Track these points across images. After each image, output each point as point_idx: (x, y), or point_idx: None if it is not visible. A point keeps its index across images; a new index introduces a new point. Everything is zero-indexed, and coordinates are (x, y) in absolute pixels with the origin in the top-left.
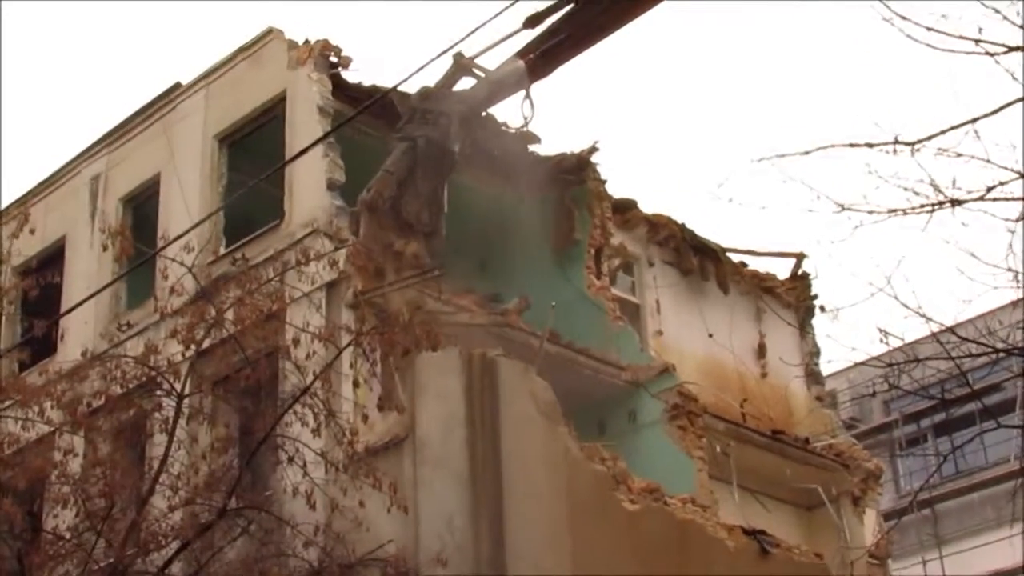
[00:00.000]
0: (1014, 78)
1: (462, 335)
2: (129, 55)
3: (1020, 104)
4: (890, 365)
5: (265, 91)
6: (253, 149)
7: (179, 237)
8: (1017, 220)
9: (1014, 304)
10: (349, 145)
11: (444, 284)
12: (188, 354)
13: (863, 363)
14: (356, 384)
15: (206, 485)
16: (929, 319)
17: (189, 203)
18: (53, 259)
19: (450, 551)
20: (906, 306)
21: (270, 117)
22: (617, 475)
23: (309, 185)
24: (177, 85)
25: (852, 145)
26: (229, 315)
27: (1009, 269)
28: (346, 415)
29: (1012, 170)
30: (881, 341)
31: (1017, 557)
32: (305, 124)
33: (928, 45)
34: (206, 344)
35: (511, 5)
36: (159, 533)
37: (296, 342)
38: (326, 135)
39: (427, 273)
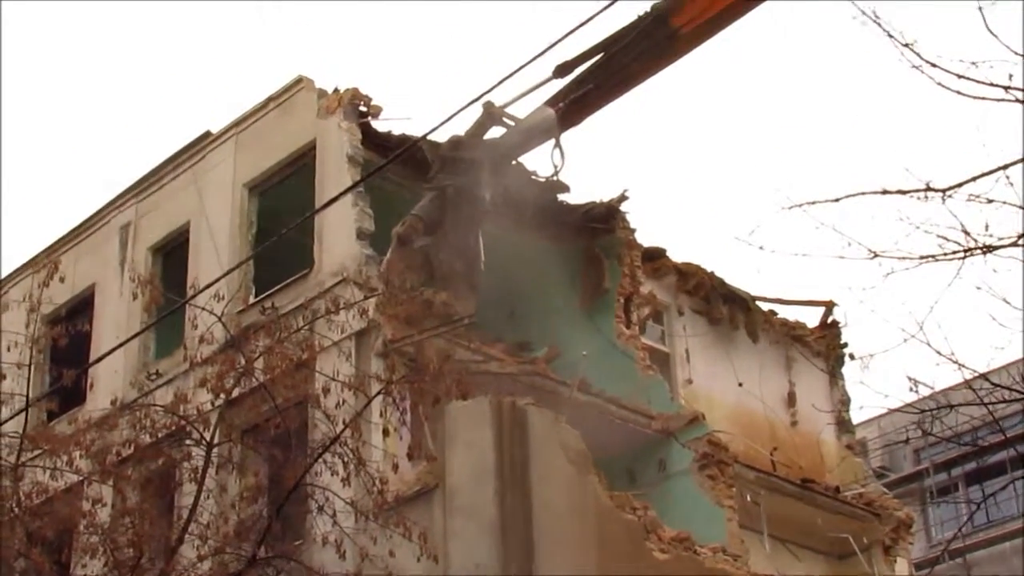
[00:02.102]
0: None
1: (492, 384)
2: (160, 103)
3: None
4: (923, 411)
5: (295, 140)
6: (283, 198)
7: (209, 286)
8: None
9: None
10: (378, 195)
11: (474, 333)
12: (217, 403)
13: (894, 411)
14: (386, 433)
15: (235, 534)
16: (962, 366)
17: (219, 252)
18: (82, 308)
19: None
20: (939, 352)
21: (300, 166)
22: (647, 524)
23: (339, 234)
24: (207, 134)
25: (884, 192)
26: (259, 364)
27: None
28: (376, 464)
29: None
30: (911, 389)
31: None
32: (335, 173)
33: (958, 92)
34: (235, 393)
35: (542, 54)
36: None
37: (326, 391)
38: (356, 184)
39: (457, 322)
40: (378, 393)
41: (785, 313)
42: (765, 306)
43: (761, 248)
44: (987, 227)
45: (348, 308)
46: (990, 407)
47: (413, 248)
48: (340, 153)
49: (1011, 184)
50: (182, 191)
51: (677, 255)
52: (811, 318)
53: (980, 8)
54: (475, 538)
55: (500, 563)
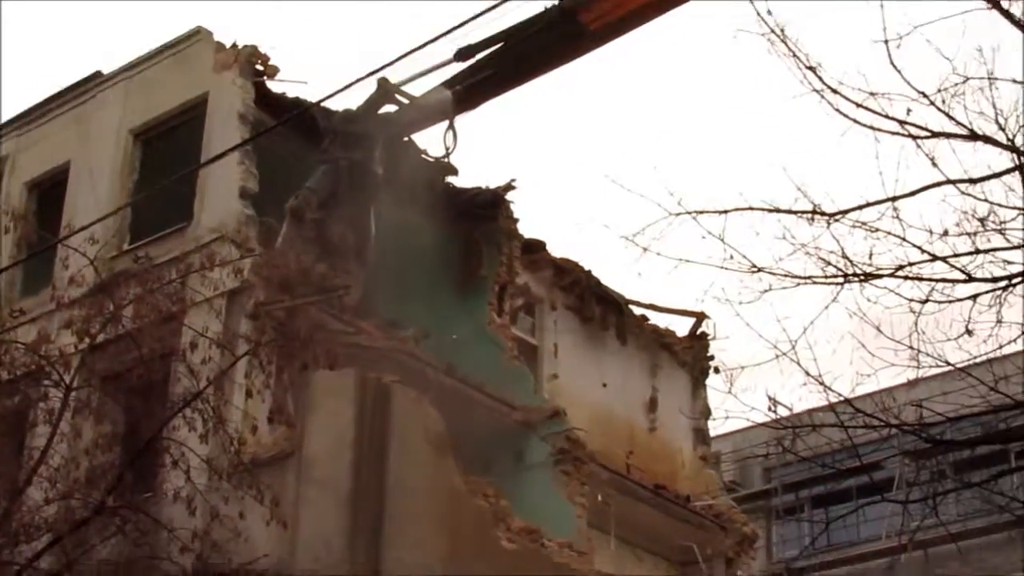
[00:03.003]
0: (934, 164)
1: (360, 358)
2: (55, 37)
3: (936, 189)
4: (785, 427)
5: (187, 91)
6: (168, 148)
7: (84, 228)
8: (923, 302)
9: (910, 383)
10: (266, 156)
11: (347, 306)
12: (81, 346)
13: (757, 426)
14: (249, 394)
15: (86, 481)
16: (828, 388)
17: (98, 195)
18: None
19: (326, 571)
20: (807, 373)
21: (189, 118)
22: (498, 513)
23: (221, 191)
24: (98, 74)
25: (773, 210)
26: (127, 312)
27: (911, 347)
28: (235, 424)
29: (924, 250)
30: (770, 409)
31: None
32: (223, 129)
33: (855, 121)
34: (100, 338)
35: (444, 35)
36: (31, 525)
37: (193, 346)
38: (244, 142)
39: (332, 292)
40: (245, 354)
41: (656, 320)
42: (638, 311)
43: (646, 250)
44: (870, 255)
45: (223, 266)
46: (850, 431)
47: (306, 222)
48: (231, 109)
49: (897, 216)
50: (65, 130)
51: (556, 250)
52: (682, 327)
53: (886, 43)
54: (326, 508)
55: (348, 536)
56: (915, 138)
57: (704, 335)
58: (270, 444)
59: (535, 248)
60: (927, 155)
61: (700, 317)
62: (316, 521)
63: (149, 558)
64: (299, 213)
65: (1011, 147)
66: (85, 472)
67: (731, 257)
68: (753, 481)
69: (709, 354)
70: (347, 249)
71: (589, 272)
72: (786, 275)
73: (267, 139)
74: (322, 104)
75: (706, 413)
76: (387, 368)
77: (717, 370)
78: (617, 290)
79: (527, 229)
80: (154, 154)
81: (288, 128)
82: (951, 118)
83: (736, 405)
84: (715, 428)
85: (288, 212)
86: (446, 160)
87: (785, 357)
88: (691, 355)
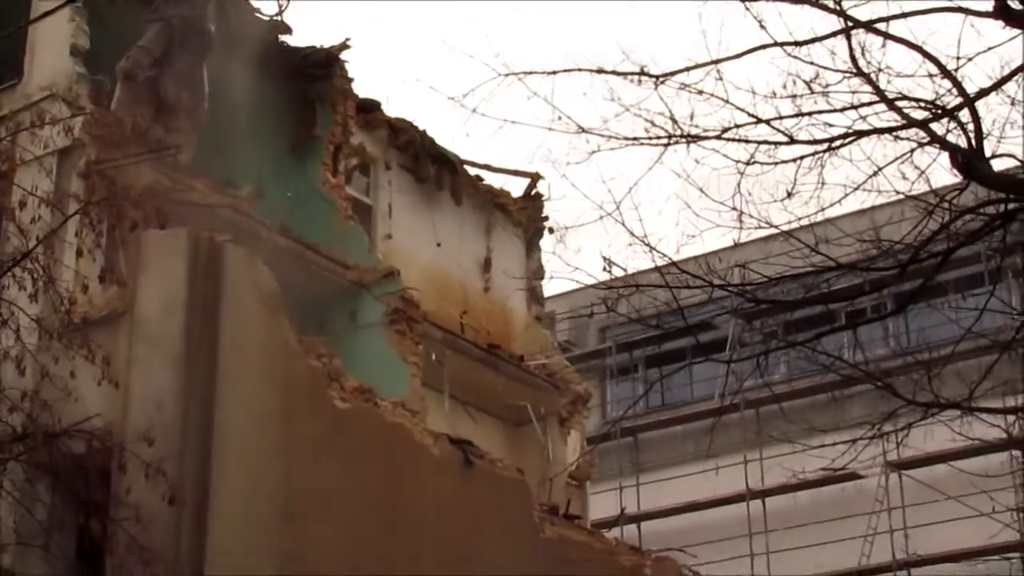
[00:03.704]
0: (762, 27)
1: (192, 217)
2: None
3: (763, 51)
4: (609, 288)
5: None
6: None
7: None
8: (748, 163)
9: (736, 244)
10: (97, 13)
11: (181, 165)
12: None
13: (585, 287)
14: (80, 254)
15: None
16: (653, 248)
17: None
18: None
19: (158, 430)
20: (632, 234)
21: None
22: (332, 372)
23: (52, 48)
24: None
25: (600, 71)
26: None
27: (734, 208)
28: (66, 284)
29: (748, 113)
30: (604, 269)
31: (711, 490)
32: None
33: None
34: None
35: None
36: None
37: (22, 205)
38: None
39: (164, 151)
40: (75, 212)
41: (491, 180)
42: (473, 172)
43: (474, 111)
44: (692, 117)
45: (54, 124)
46: (674, 291)
47: (139, 82)
48: None
49: (721, 78)
50: None
51: (392, 110)
52: (516, 188)
53: None
54: (158, 368)
55: (182, 395)
56: (743, 0)
57: (538, 195)
58: (101, 304)
59: (370, 108)
60: (755, 18)
61: (534, 178)
62: (148, 381)
63: None
64: (131, 74)
65: (837, 11)
66: None
67: (559, 118)
68: (588, 341)
69: (543, 215)
70: (180, 107)
71: (424, 132)
72: (612, 136)
73: None
74: None
75: (540, 274)
76: (219, 226)
77: (551, 230)
78: (452, 151)
79: (362, 89)
80: None
81: None
82: None
83: (567, 265)
84: (550, 288)
85: (120, 73)
86: (279, 19)
87: (610, 218)
88: (525, 215)
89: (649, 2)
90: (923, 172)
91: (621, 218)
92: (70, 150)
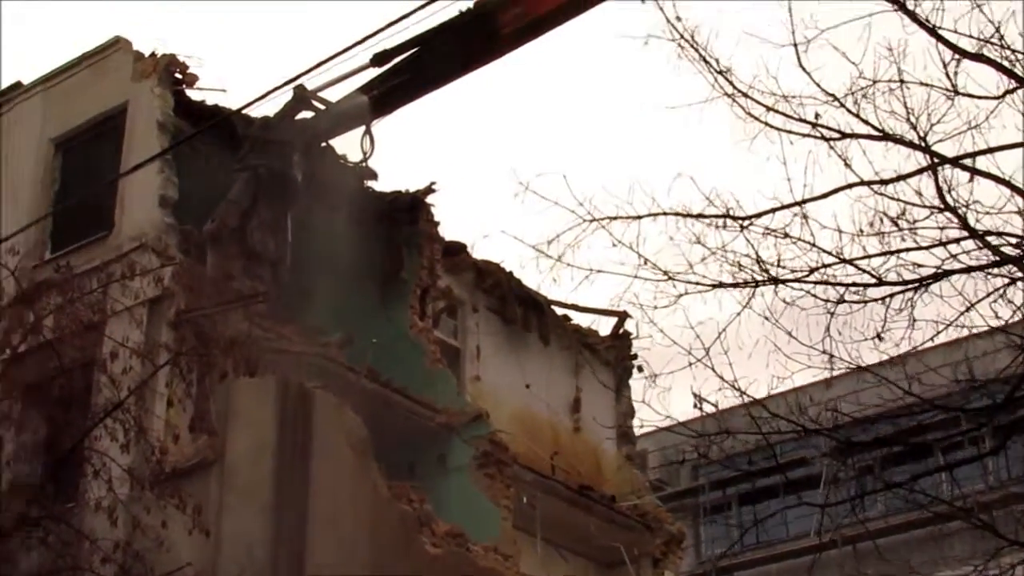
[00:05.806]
0: (847, 165)
1: (281, 364)
2: None
3: (849, 190)
4: (701, 435)
5: (106, 100)
6: (89, 157)
7: (6, 239)
8: (836, 303)
9: (826, 383)
10: (185, 164)
11: (268, 312)
12: (2, 357)
13: (675, 426)
14: (170, 403)
15: (8, 491)
16: (743, 393)
17: (19, 205)
18: None
19: None
20: (722, 378)
21: (109, 127)
22: (422, 517)
23: (141, 200)
24: (18, 84)
25: (684, 215)
26: (48, 322)
27: (824, 352)
28: (157, 433)
29: (834, 255)
30: (695, 407)
31: None
32: (143, 138)
33: (766, 124)
34: (22, 349)
35: (360, 43)
36: None
37: (114, 356)
38: (164, 152)
39: (252, 299)
40: (166, 363)
41: (578, 320)
42: (560, 312)
43: (559, 259)
44: (779, 260)
45: (144, 275)
46: (766, 435)
47: (226, 236)
48: (151, 118)
49: (805, 218)
50: None
51: (477, 253)
52: (603, 328)
53: (795, 46)
54: (249, 516)
55: (272, 543)
56: (827, 140)
57: (627, 334)
58: (192, 452)
59: (456, 250)
60: (840, 156)
61: (622, 316)
62: (239, 529)
63: (71, 569)
64: (218, 236)
65: (922, 147)
66: (7, 483)
67: (645, 262)
68: (680, 480)
69: (632, 353)
70: (266, 256)
71: (510, 274)
72: (698, 282)
73: (187, 147)
74: (241, 112)
75: (630, 413)
76: (308, 373)
77: (640, 369)
78: (538, 291)
79: (448, 232)
80: (74, 163)
81: (208, 136)
82: (861, 119)
83: (658, 407)
84: (640, 428)
85: (207, 236)
86: (364, 165)
87: (700, 363)
88: (614, 355)
89: (730, 147)
90: (1019, 308)
91: (711, 363)
92: (160, 300)
